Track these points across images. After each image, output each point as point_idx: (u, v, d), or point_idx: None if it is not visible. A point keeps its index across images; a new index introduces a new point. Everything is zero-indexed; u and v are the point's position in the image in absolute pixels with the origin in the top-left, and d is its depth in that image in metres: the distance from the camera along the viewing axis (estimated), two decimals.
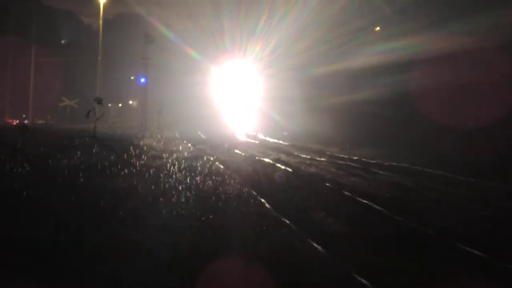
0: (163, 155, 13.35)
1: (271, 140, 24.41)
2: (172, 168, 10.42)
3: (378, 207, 7.11)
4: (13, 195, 6.71)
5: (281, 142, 22.72)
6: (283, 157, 15.05)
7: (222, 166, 11.59)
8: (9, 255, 4.38)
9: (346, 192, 8.39)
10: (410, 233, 5.82)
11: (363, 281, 4.09)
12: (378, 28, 23.57)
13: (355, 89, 22.61)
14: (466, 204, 7.83)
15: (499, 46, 14.63)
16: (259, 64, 36.21)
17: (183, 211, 6.38)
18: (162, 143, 18.33)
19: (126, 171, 9.44)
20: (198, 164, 11.45)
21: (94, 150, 12.64)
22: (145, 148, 15.31)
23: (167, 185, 8.18)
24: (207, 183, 8.64)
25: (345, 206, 7.41)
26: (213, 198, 7.34)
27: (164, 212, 6.26)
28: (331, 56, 24.81)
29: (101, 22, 36.00)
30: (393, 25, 21.25)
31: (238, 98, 40.48)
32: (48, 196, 6.85)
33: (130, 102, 46.59)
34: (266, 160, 13.76)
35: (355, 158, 14.53)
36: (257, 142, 23.22)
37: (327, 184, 9.38)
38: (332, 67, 24.53)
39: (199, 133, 28.21)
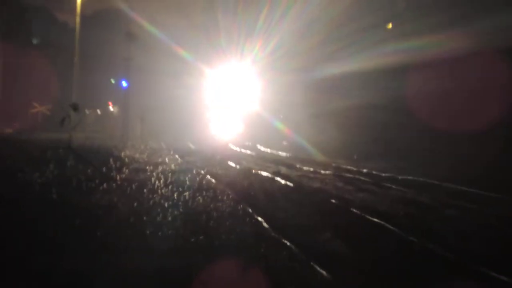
0: (147, 167, 13.37)
1: (270, 151, 24.44)
2: (157, 182, 10.45)
3: (391, 227, 7.12)
4: None
5: (281, 153, 22.75)
6: (283, 170, 15.07)
7: (213, 180, 11.61)
8: None
9: (354, 210, 8.40)
10: (428, 257, 5.80)
11: None
12: (390, 26, 23.74)
13: (365, 93, 22.70)
14: (490, 223, 7.84)
15: None
16: (258, 65, 36.28)
17: (170, 231, 6.38)
18: (146, 154, 18.34)
19: (105, 186, 9.46)
20: (187, 178, 11.48)
21: (69, 163, 12.65)
22: (126, 160, 15.33)
23: (151, 202, 8.20)
24: (196, 200, 8.65)
25: (353, 225, 7.42)
26: (204, 216, 7.34)
27: (148, 232, 6.26)
28: (338, 56, 24.92)
29: (78, 18, 36.15)
30: (407, 22, 21.42)
31: (234, 103, 40.52)
32: (14, 216, 6.85)
33: (110, 108, 46.64)
34: (264, 173, 13.78)
35: (365, 171, 14.56)
36: (254, 153, 23.24)
37: (333, 201, 9.39)
38: (339, 69, 24.62)
39: (188, 143, 28.24)
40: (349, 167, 15.68)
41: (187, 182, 10.80)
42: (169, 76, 41.06)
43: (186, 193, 9.19)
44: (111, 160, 14.00)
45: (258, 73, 36.89)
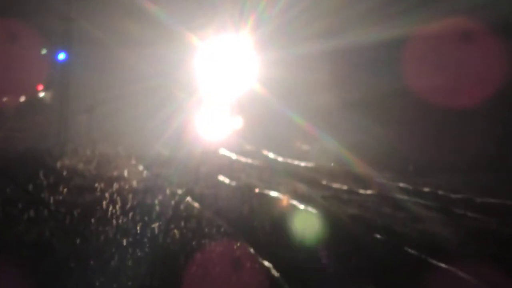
0: (96, 185, 13.37)
1: (283, 158, 24.42)
2: (110, 208, 10.43)
3: (466, 276, 7.09)
4: None
5: (299, 162, 22.74)
6: (301, 188, 15.04)
7: (196, 205, 11.59)
8: None
9: (410, 250, 8.38)
10: None
11: None
12: None
13: (422, 71, 22.64)
14: None
15: None
16: (264, 30, 36.21)
17: (130, 283, 6.36)
18: (94, 164, 18.34)
19: (32, 213, 9.44)
20: (156, 202, 11.47)
21: None
22: (65, 173, 15.33)
23: (102, 237, 8.18)
24: (171, 235, 8.64)
25: (409, 273, 7.39)
26: (182, 259, 7.33)
27: (97, 285, 6.25)
28: (381, 17, 24.88)
29: None
30: None
31: (229, 86, 40.49)
32: None
33: (41, 94, 46.77)
34: (273, 194, 13.78)
35: (425, 190, 14.54)
36: (258, 162, 23.21)
37: (378, 236, 9.38)
38: (383, 35, 24.56)
39: (159, 146, 28.26)
40: (401, 184, 15.64)
41: (157, 208, 10.79)
42: (133, 46, 40.96)
43: (155, 225, 9.17)
44: (41, 173, 14.01)
45: (265, 42, 36.86)
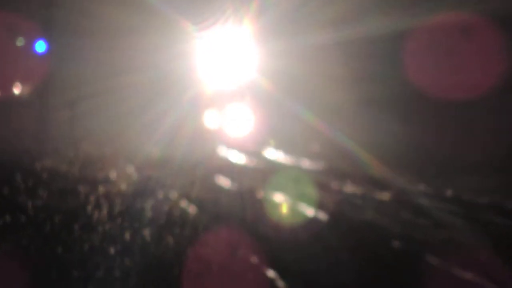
0: (80, 188, 13.38)
1: (289, 159, 24.44)
2: (96, 213, 10.44)
3: None
4: None
5: (308, 163, 22.75)
6: (310, 191, 15.04)
7: (193, 210, 11.60)
8: None
9: (432, 260, 8.37)
10: None
11: None
12: None
13: (447, 66, 22.63)
14: None
15: None
16: (269, 16, 36.20)
17: None
18: (78, 165, 18.37)
19: (9, 218, 9.45)
20: (147, 206, 11.48)
21: None
22: (45, 175, 15.35)
23: (87, 246, 8.18)
24: (163, 242, 8.63)
25: (431, 286, 7.38)
26: (177, 270, 7.32)
27: None
28: (403, 1, 24.87)
29: None
30: None
31: (229, 80, 40.48)
32: None
33: (16, 89, 46.80)
34: (278, 197, 13.79)
35: (449, 193, 14.53)
36: (261, 162, 23.25)
37: (396, 245, 9.37)
38: (403, 23, 24.53)
39: (151, 145, 28.27)
40: (422, 188, 15.64)
41: (148, 213, 10.79)
42: (122, 35, 40.96)
43: (146, 231, 9.17)
44: (18, 174, 14.03)
45: (270, 30, 36.84)
